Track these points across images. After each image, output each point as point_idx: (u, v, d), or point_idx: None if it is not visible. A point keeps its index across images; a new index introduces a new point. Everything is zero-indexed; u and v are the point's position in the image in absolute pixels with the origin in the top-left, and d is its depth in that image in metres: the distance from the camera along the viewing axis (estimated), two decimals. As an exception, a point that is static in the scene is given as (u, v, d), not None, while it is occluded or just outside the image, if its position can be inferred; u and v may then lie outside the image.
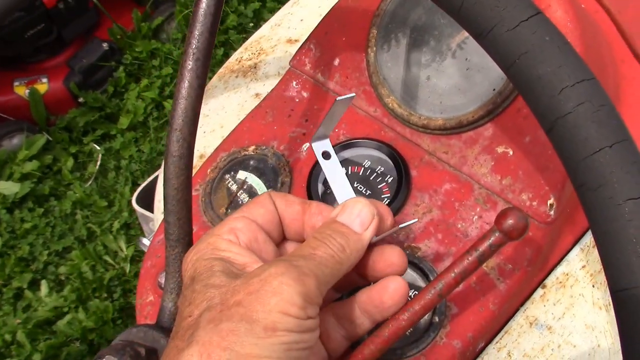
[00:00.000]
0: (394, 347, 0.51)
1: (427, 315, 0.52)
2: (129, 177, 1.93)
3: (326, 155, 0.55)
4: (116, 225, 1.80)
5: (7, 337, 1.62)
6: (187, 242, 0.51)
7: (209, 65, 0.51)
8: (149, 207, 0.89)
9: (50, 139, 2.02)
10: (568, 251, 0.57)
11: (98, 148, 2.01)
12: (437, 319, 0.52)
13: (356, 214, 0.44)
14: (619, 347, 0.56)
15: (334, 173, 0.55)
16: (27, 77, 2.03)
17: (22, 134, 1.99)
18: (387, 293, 0.45)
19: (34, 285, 1.76)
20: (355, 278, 0.47)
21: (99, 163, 1.99)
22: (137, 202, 0.95)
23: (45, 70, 2.06)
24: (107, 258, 1.76)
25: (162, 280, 0.58)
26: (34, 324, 1.64)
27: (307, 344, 0.38)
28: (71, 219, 1.87)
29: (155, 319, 0.51)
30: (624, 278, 0.34)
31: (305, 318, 0.37)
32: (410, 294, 0.53)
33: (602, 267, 0.58)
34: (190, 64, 0.49)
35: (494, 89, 0.55)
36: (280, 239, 0.47)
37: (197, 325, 0.36)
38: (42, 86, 2.02)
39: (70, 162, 1.98)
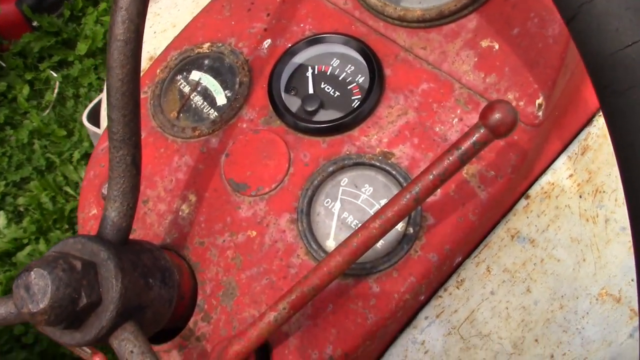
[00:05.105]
0: (364, 260, 0.46)
1: (400, 227, 0.47)
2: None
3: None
4: (77, 155, 1.72)
5: (-35, 270, 1.57)
6: (134, 142, 0.44)
7: None
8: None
9: (4, 65, 1.91)
10: (555, 159, 0.52)
11: (55, 75, 1.90)
12: (411, 230, 0.47)
13: None
14: (605, 261, 0.52)
15: None
16: (-25, -1, 1.89)
17: (-28, 60, 1.87)
18: None
19: (-8, 217, 1.69)
20: None
21: (56, 91, 1.88)
22: (89, 120, 0.88)
23: (-4, -9, 1.92)
24: (67, 189, 1.69)
25: (106, 191, 0.52)
26: (-7, 256, 1.59)
27: None
28: (29, 149, 1.78)
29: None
30: None
31: None
32: (382, 202, 0.48)
33: (590, 176, 0.54)
34: None
35: (479, -26, 0.49)
36: None
37: None
38: (-7, 9, 1.88)
39: (26, 90, 1.88)
